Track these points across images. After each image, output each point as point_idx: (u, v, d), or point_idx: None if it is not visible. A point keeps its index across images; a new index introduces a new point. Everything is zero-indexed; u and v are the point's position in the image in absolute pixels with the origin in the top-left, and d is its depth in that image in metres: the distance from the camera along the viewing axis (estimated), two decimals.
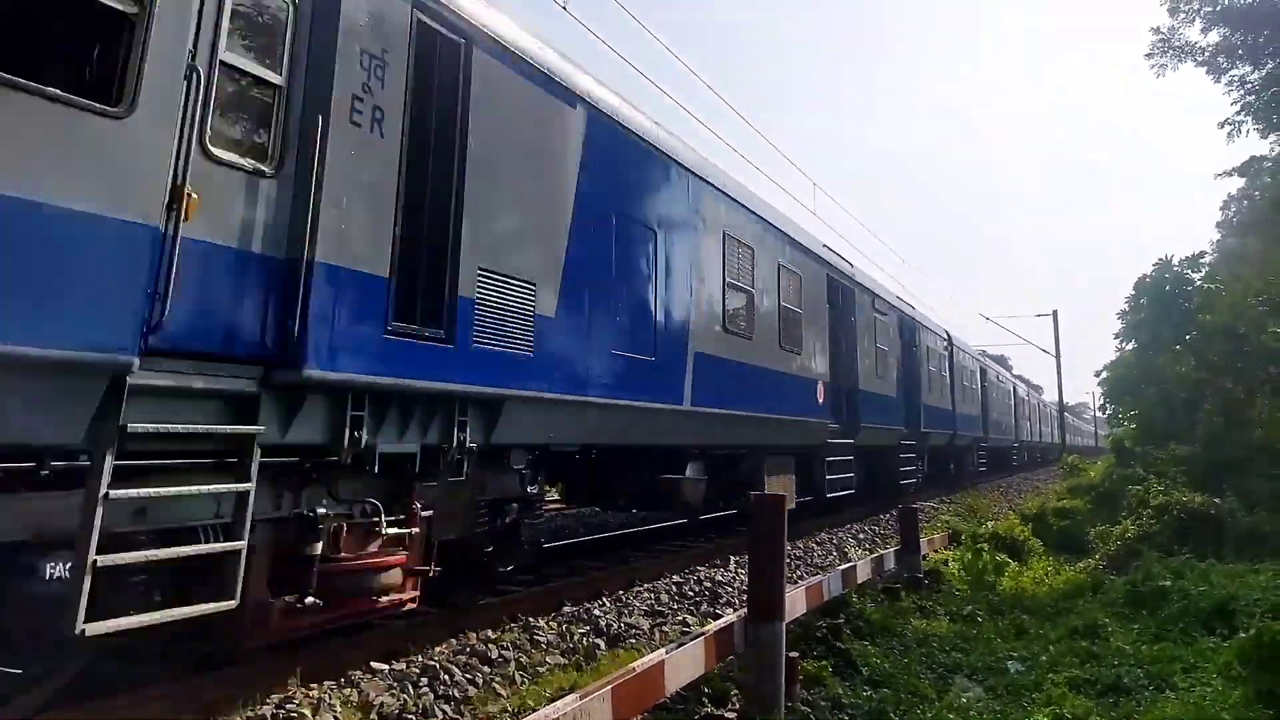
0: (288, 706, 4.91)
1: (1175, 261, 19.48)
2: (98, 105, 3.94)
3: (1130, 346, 20.42)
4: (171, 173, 4.24)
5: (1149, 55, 24.62)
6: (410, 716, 5.04)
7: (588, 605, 7.96)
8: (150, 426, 4.17)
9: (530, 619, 7.26)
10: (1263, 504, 12.05)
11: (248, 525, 4.59)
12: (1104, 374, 20.99)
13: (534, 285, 7.00)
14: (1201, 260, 19.52)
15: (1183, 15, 22.91)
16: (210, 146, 4.54)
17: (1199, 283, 18.89)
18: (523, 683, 5.86)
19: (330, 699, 5.08)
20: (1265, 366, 16.80)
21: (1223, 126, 23.66)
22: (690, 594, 8.96)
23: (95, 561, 3.84)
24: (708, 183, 10.33)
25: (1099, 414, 41.94)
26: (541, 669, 6.18)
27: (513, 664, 6.16)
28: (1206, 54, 23.09)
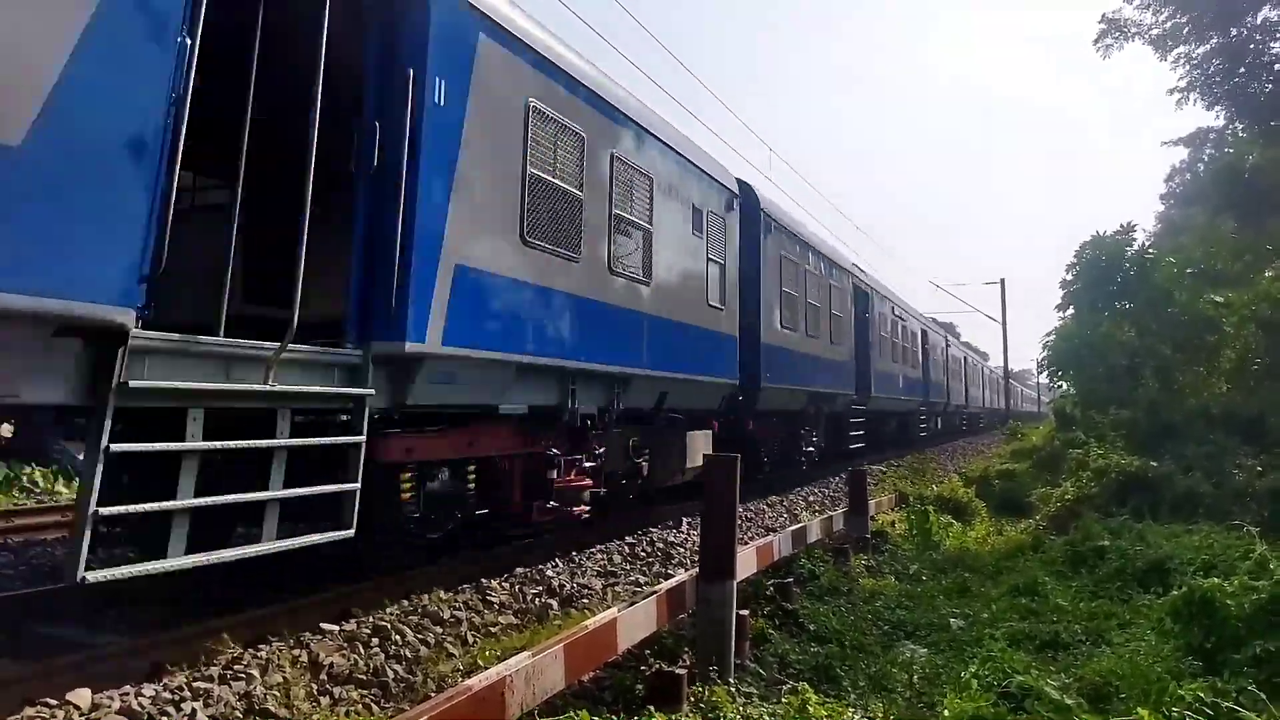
0: (235, 667, 4.85)
1: (1107, 235, 19.78)
2: None
3: (1069, 314, 20.77)
4: None
5: (1096, 40, 24.79)
6: (361, 676, 5.01)
7: (541, 567, 7.97)
8: None
9: (483, 580, 7.25)
10: (1197, 467, 12.41)
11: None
12: (1048, 341, 21.31)
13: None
14: (1131, 232, 19.83)
15: (1137, 2, 23.15)
16: None
17: (1131, 253, 19.20)
18: (475, 642, 5.86)
19: (279, 659, 5.02)
20: (1200, 334, 17.27)
21: (1171, 94, 24.02)
22: (643, 555, 9.03)
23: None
24: None
25: (1041, 380, 41.93)
26: (494, 629, 6.19)
27: (465, 624, 6.16)
28: (1153, 33, 23.37)
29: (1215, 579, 5.99)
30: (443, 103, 6.38)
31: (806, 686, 4.93)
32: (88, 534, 3.99)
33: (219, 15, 4.76)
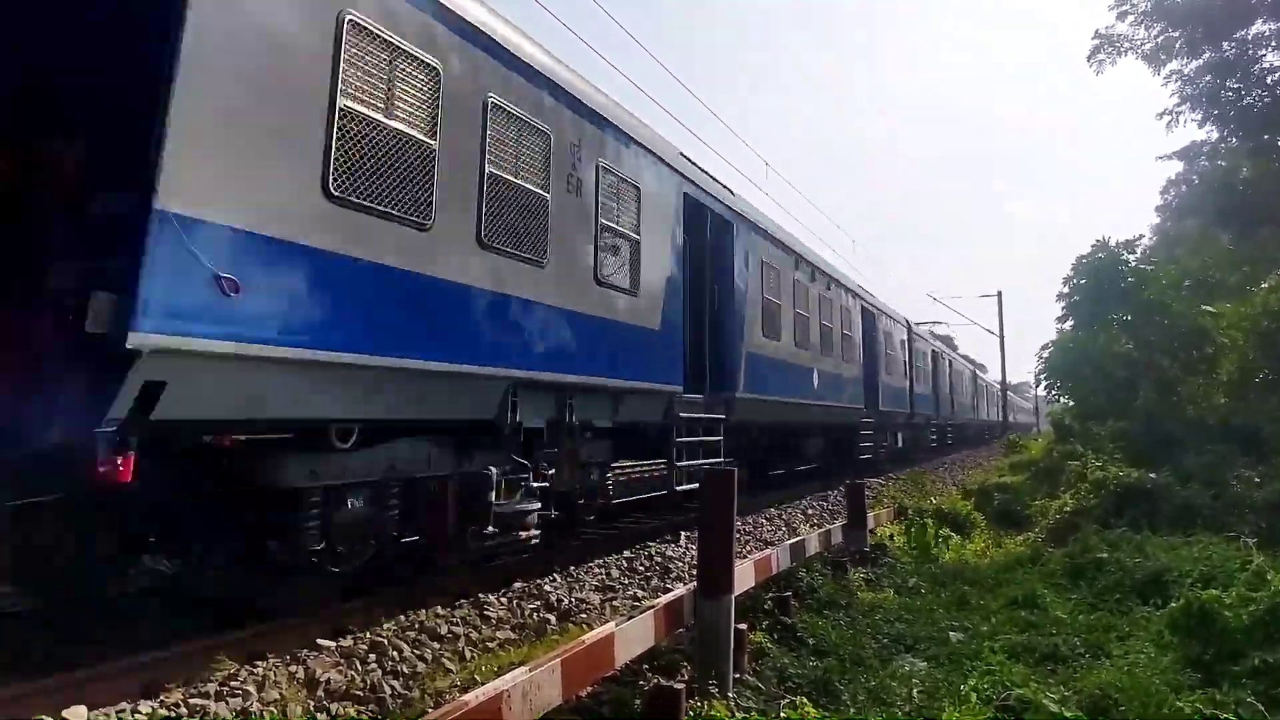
0: (232, 684, 4.84)
1: (1113, 243, 19.78)
2: None
3: (1068, 326, 20.74)
4: None
5: (1090, 56, 24.79)
6: (357, 692, 5.00)
7: (539, 581, 7.96)
8: None
9: (481, 595, 7.24)
10: (1195, 478, 12.39)
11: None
12: (1044, 353, 21.27)
13: None
14: (1138, 243, 19.81)
15: (1130, 18, 23.17)
16: None
17: (1132, 264, 19.20)
18: (472, 658, 5.85)
19: (276, 676, 5.01)
20: (1197, 346, 17.30)
21: (1161, 117, 24.11)
22: (641, 569, 9.01)
23: None
24: None
25: (1039, 393, 42.25)
26: (492, 644, 6.17)
27: (462, 640, 6.14)
28: (1145, 48, 23.40)
29: (1214, 591, 5.99)
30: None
31: (805, 701, 4.92)
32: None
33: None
